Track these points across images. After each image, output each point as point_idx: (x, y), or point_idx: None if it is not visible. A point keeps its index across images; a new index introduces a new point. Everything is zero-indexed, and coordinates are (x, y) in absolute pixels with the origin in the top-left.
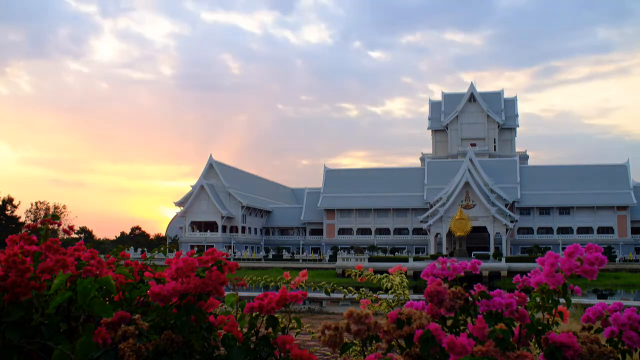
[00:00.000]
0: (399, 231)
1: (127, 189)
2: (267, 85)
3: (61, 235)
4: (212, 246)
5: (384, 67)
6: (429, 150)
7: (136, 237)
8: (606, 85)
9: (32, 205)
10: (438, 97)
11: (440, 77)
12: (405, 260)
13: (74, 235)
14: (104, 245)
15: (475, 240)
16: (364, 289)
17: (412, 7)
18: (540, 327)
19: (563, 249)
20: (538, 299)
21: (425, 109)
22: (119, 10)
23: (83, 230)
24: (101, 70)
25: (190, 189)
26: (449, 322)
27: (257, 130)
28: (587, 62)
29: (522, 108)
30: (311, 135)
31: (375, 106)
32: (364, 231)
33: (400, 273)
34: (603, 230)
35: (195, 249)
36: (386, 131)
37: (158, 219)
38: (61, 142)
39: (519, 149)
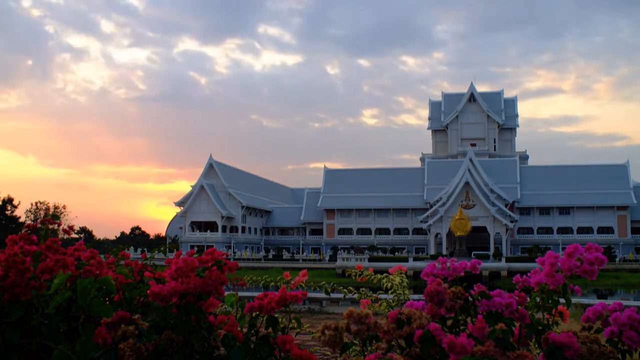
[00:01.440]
0: (399, 231)
1: (127, 189)
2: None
3: (61, 235)
4: (212, 246)
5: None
6: (428, 150)
7: (136, 237)
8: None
9: (32, 205)
10: (437, 98)
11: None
12: (405, 260)
13: (74, 235)
14: (104, 245)
15: (475, 240)
16: (364, 289)
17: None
18: (540, 327)
19: (563, 249)
20: (538, 299)
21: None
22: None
23: (83, 230)
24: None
25: (190, 189)
26: (449, 322)
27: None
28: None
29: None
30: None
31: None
32: (364, 231)
33: (400, 273)
34: (603, 230)
35: (195, 249)
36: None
37: (158, 219)
38: (63, 146)
39: (518, 149)
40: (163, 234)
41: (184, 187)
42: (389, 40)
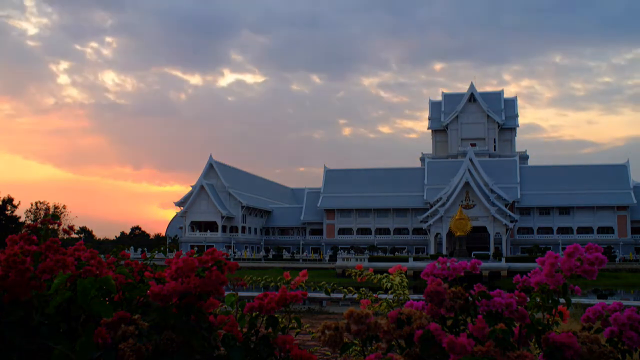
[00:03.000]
0: (399, 231)
1: (128, 189)
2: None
3: (61, 235)
4: (212, 246)
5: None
6: (428, 150)
7: (136, 237)
8: None
9: (32, 205)
10: (438, 97)
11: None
12: (405, 260)
13: (74, 235)
14: (104, 245)
15: (475, 240)
16: (364, 289)
17: None
18: (540, 327)
19: (563, 249)
20: (538, 299)
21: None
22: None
23: (83, 230)
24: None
25: (190, 189)
26: (449, 322)
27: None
28: None
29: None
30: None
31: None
32: (364, 231)
33: (400, 273)
34: (603, 230)
35: (195, 249)
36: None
37: (158, 219)
38: (63, 147)
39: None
40: (163, 234)
41: (184, 187)
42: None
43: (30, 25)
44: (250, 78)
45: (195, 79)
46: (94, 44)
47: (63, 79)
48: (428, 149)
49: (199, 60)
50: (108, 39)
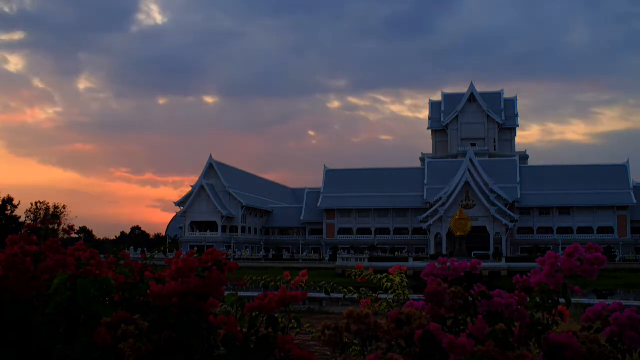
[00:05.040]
0: (399, 231)
1: (128, 189)
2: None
3: (61, 235)
4: (212, 246)
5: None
6: (429, 150)
7: (136, 237)
8: None
9: (32, 205)
10: (436, 98)
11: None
12: (405, 260)
13: (74, 235)
14: (104, 245)
15: (475, 240)
16: (364, 289)
17: None
18: (540, 327)
19: (563, 249)
20: (538, 299)
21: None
22: None
23: (83, 230)
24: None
25: (190, 189)
26: (449, 322)
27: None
28: None
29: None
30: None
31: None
32: (364, 231)
33: (400, 273)
34: (603, 230)
35: (195, 249)
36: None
37: (158, 219)
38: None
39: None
40: (163, 234)
41: (184, 187)
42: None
43: None
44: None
45: None
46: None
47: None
48: (428, 149)
49: None
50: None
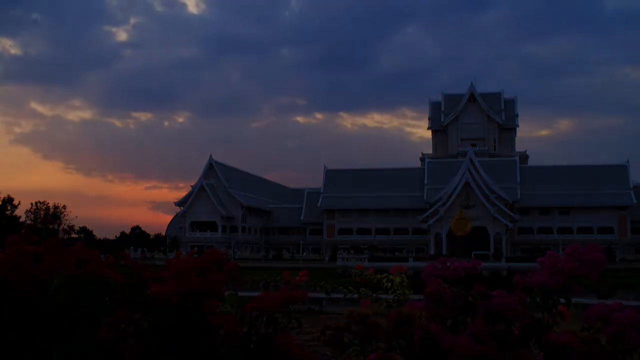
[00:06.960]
0: (399, 231)
1: (128, 189)
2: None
3: (61, 235)
4: (212, 246)
5: None
6: (429, 150)
7: (136, 237)
8: None
9: (32, 205)
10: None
11: None
12: (405, 260)
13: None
14: (104, 245)
15: (475, 241)
16: (364, 289)
17: None
18: (540, 327)
19: (563, 249)
20: (538, 299)
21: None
22: None
23: (83, 230)
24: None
25: (190, 189)
26: (449, 323)
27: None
28: None
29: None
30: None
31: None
32: (364, 231)
33: (401, 273)
34: (603, 230)
35: (195, 249)
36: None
37: (158, 219)
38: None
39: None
40: (163, 234)
41: (184, 187)
42: None
43: None
44: None
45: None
46: None
47: None
48: (428, 149)
49: None
50: None
